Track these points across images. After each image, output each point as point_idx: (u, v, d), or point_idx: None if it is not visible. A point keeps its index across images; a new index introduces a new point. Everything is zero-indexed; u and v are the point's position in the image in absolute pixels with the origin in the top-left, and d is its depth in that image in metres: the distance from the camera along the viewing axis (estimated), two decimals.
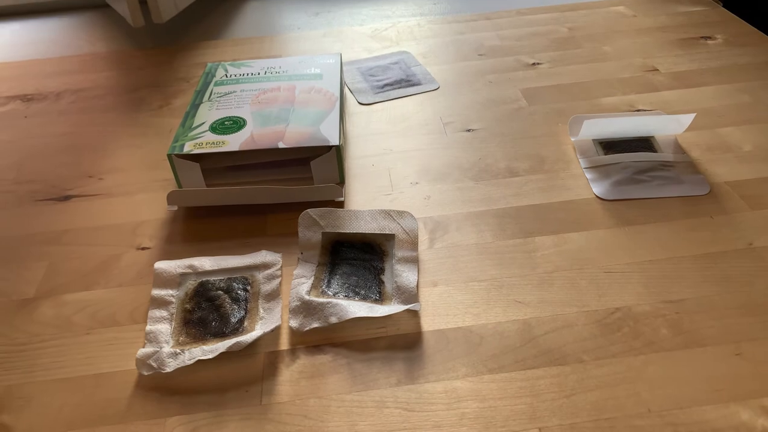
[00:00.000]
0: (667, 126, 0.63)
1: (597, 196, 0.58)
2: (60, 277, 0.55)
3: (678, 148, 0.63)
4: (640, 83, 0.75)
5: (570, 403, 0.41)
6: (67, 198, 0.64)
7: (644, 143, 0.64)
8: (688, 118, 0.62)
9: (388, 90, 0.78)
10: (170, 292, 0.51)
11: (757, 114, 0.68)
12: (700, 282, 0.49)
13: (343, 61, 0.86)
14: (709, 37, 0.84)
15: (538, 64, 0.81)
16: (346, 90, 0.79)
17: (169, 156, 0.59)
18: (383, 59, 0.85)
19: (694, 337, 0.45)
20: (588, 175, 0.61)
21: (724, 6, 0.94)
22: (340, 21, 0.99)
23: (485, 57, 0.83)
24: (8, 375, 0.46)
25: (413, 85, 0.79)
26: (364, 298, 0.49)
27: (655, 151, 0.63)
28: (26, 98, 0.83)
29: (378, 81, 0.80)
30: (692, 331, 0.45)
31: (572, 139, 0.65)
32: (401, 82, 0.80)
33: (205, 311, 0.49)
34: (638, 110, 0.70)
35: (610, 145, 0.64)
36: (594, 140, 0.65)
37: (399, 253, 0.53)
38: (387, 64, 0.84)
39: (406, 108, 0.75)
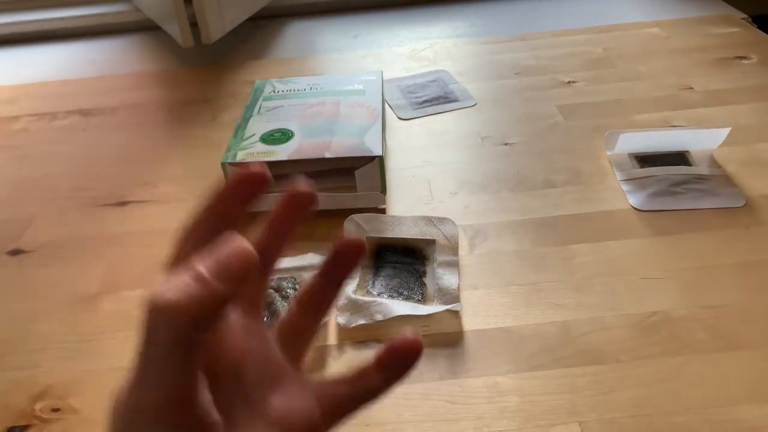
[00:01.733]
0: (702, 140, 0.65)
1: (633, 207, 0.60)
2: (120, 276, 0.58)
3: (713, 162, 0.65)
4: (674, 101, 0.77)
5: (609, 400, 0.43)
6: (124, 203, 0.68)
7: (679, 157, 0.65)
8: (723, 132, 0.63)
9: (426, 106, 0.81)
10: None
11: None
12: (738, 289, 0.50)
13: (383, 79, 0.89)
14: (744, 57, 0.86)
15: (573, 82, 0.83)
16: (386, 106, 0.82)
17: (223, 164, 0.62)
18: (421, 77, 0.88)
19: (731, 341, 0.46)
20: (624, 187, 0.62)
21: (758, 27, 0.95)
22: (379, 43, 1.03)
23: (521, 75, 0.86)
24: (75, 363, 0.49)
25: (451, 101, 0.82)
26: (408, 299, 0.52)
27: (690, 165, 0.64)
28: (84, 113, 0.88)
29: (417, 98, 0.83)
30: (729, 336, 0.46)
31: (608, 153, 0.67)
32: (439, 98, 0.83)
33: None
34: (674, 126, 0.72)
35: (645, 159, 0.65)
36: (630, 154, 0.66)
37: (440, 257, 0.55)
38: (425, 81, 0.87)
39: (445, 123, 0.77)
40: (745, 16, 0.99)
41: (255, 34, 1.11)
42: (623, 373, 0.44)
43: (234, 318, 0.25)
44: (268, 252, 0.26)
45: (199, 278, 0.18)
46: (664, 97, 0.78)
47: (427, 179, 0.67)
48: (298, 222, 0.26)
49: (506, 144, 0.72)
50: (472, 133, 0.75)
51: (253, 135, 0.66)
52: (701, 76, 0.82)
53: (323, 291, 0.27)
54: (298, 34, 1.09)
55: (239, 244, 0.19)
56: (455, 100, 0.82)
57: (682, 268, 0.53)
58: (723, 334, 0.47)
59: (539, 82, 0.84)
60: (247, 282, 0.19)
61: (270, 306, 0.52)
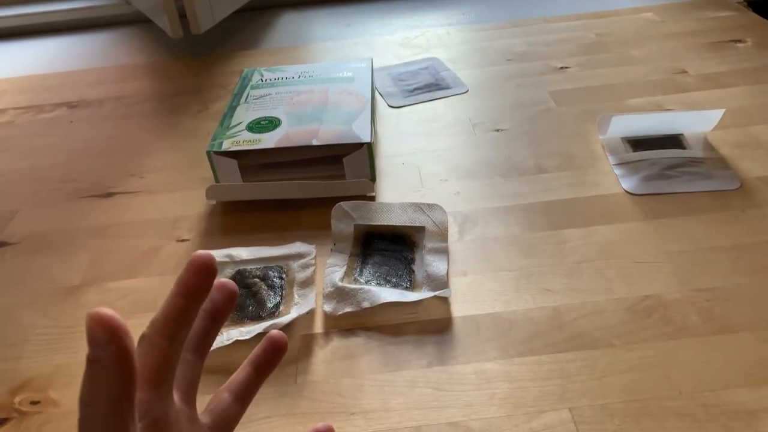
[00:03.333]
0: (696, 123, 0.64)
1: (626, 191, 0.59)
2: (104, 267, 0.57)
3: (707, 145, 0.63)
4: (668, 85, 0.76)
5: (600, 385, 0.42)
6: (110, 195, 0.67)
7: (673, 140, 0.64)
8: (717, 114, 0.62)
9: (417, 93, 0.80)
10: None
11: None
12: (731, 272, 0.49)
13: (373, 67, 0.88)
14: (739, 41, 0.84)
15: (566, 68, 0.82)
16: (377, 94, 0.81)
17: (208, 153, 0.61)
18: (413, 65, 0.87)
19: (725, 324, 0.45)
20: (617, 171, 0.61)
21: (753, 10, 0.94)
22: (371, 31, 1.02)
23: (513, 62, 0.85)
24: (56, 355, 0.48)
25: (442, 88, 0.80)
26: (396, 286, 0.51)
27: (684, 148, 0.63)
28: (71, 105, 0.87)
29: (408, 85, 0.82)
30: (723, 318, 0.45)
31: (601, 138, 0.66)
32: (430, 86, 0.81)
33: (243, 297, 0.51)
34: (667, 110, 0.71)
35: (638, 143, 0.64)
36: (623, 138, 0.65)
37: (429, 244, 0.54)
38: (416, 69, 0.86)
39: (436, 110, 0.76)
40: None
41: (246, 24, 1.09)
42: (615, 358, 0.43)
43: (175, 407, 0.25)
44: (203, 338, 0.27)
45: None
46: (658, 81, 0.77)
47: (418, 166, 0.66)
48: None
49: (497, 130, 0.70)
50: (463, 119, 0.74)
51: (240, 123, 0.65)
52: (696, 60, 0.81)
53: (251, 380, 0.29)
54: (290, 25, 1.08)
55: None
56: (446, 87, 0.81)
57: (676, 252, 0.52)
58: (717, 317, 0.46)
59: (531, 68, 0.83)
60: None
61: (256, 295, 0.51)
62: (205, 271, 0.23)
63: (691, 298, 0.47)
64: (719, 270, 0.50)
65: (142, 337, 0.24)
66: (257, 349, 0.30)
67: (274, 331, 0.30)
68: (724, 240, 0.52)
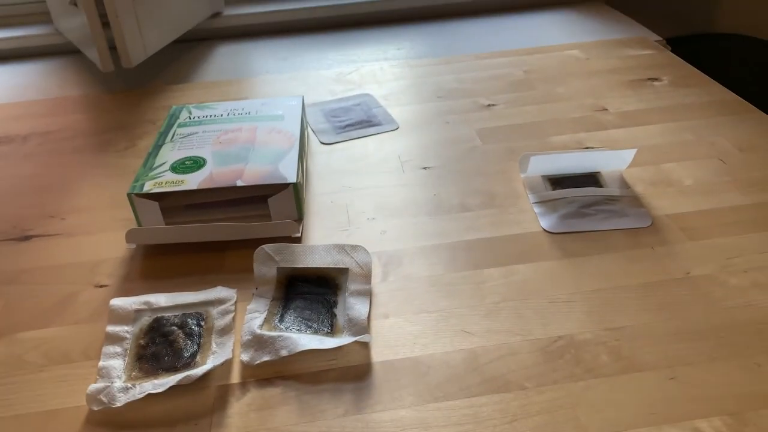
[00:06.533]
0: (611, 161, 0.66)
1: (544, 230, 0.60)
2: (15, 316, 0.55)
3: (623, 182, 0.66)
4: (589, 122, 0.79)
5: (511, 429, 0.42)
6: (27, 238, 0.65)
7: (591, 179, 0.66)
8: (629, 154, 0.65)
9: (349, 130, 0.81)
10: (125, 328, 0.51)
11: (698, 150, 0.72)
12: (640, 310, 0.51)
13: (306, 103, 0.89)
14: (656, 79, 0.89)
15: (493, 105, 0.84)
16: (309, 130, 0.82)
17: (129, 195, 0.60)
18: (346, 101, 0.88)
19: (632, 363, 0.47)
20: (536, 210, 0.63)
21: (671, 50, 0.99)
22: (307, 65, 1.03)
23: (444, 99, 0.87)
24: None
25: (374, 125, 0.82)
26: (316, 332, 0.50)
27: (601, 186, 0.65)
28: None
29: (340, 122, 0.83)
30: (630, 357, 0.47)
31: (522, 176, 0.68)
32: (362, 122, 0.82)
33: (159, 346, 0.50)
34: (587, 148, 0.73)
35: (557, 181, 0.66)
36: (543, 176, 0.67)
37: (352, 286, 0.54)
38: (349, 105, 0.87)
39: (367, 147, 0.77)
40: (660, 38, 1.03)
41: (180, 57, 1.09)
42: (527, 401, 0.44)
43: None
44: None
45: None
46: (580, 118, 0.80)
47: (346, 204, 0.67)
48: None
49: (425, 168, 0.72)
50: (392, 156, 0.75)
51: (164, 163, 0.64)
52: (616, 98, 0.84)
53: None
54: (224, 57, 1.08)
55: None
56: (378, 124, 0.82)
57: (589, 290, 0.53)
58: (625, 356, 0.47)
59: (460, 106, 0.85)
60: None
61: (173, 344, 0.50)
62: None
63: (601, 338, 0.49)
64: (629, 308, 0.51)
65: None
66: None
67: None
68: (634, 278, 0.54)
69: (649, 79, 0.89)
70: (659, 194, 0.65)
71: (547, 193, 0.64)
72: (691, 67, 0.91)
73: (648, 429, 0.42)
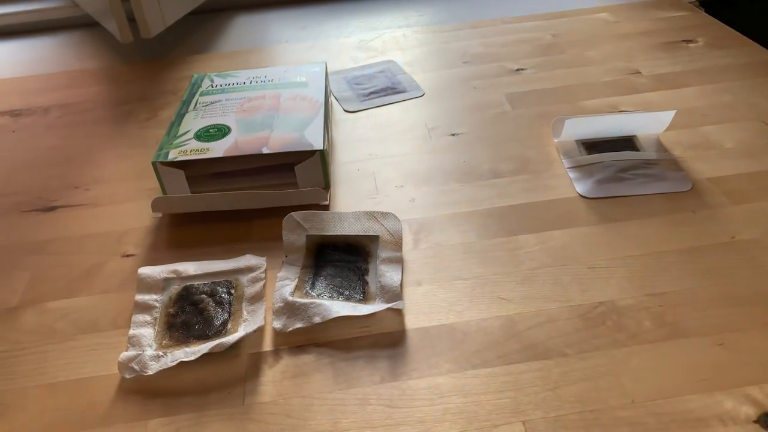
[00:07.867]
0: (648, 124, 0.64)
1: (580, 195, 0.58)
2: (43, 286, 0.54)
3: (660, 146, 0.64)
4: (623, 86, 0.76)
5: (554, 396, 0.41)
6: (52, 209, 0.64)
7: (627, 142, 0.64)
8: (668, 116, 0.62)
9: (373, 98, 0.79)
10: (154, 296, 0.51)
11: (738, 112, 0.69)
12: (683, 275, 0.49)
13: (329, 71, 0.87)
14: (691, 41, 0.85)
15: (522, 69, 0.82)
16: (333, 99, 0.80)
17: (154, 164, 0.59)
18: (369, 68, 0.86)
19: (677, 329, 0.45)
20: (571, 175, 0.61)
21: (705, 11, 0.95)
22: (327, 33, 1.00)
23: (470, 64, 0.84)
24: None
25: (398, 92, 0.79)
26: (348, 299, 0.49)
27: (637, 150, 0.63)
28: (14, 113, 0.83)
29: (363, 89, 0.81)
30: (675, 323, 0.45)
31: (555, 141, 0.66)
32: (386, 90, 0.80)
33: (189, 315, 0.49)
34: (621, 111, 0.71)
35: (592, 146, 0.64)
36: (577, 141, 0.65)
37: (383, 254, 0.53)
38: (372, 72, 0.85)
39: (392, 115, 0.75)
40: None
41: (199, 27, 1.07)
42: (569, 368, 0.43)
43: None
44: None
45: None
46: (613, 81, 0.77)
47: (373, 172, 0.65)
48: None
49: (453, 134, 0.70)
50: (419, 124, 0.73)
51: (188, 132, 0.63)
52: (649, 60, 0.81)
53: None
54: (243, 27, 1.06)
55: None
56: (403, 91, 0.80)
57: (629, 256, 0.52)
58: (669, 322, 0.45)
59: (488, 71, 0.82)
60: None
61: (203, 313, 0.49)
62: None
63: (643, 304, 0.47)
64: (671, 274, 0.49)
65: None
66: None
67: None
68: (676, 243, 0.52)
69: (683, 41, 0.85)
70: (699, 157, 0.62)
71: (582, 158, 0.62)
72: (728, 27, 0.88)
73: (699, 396, 0.40)
